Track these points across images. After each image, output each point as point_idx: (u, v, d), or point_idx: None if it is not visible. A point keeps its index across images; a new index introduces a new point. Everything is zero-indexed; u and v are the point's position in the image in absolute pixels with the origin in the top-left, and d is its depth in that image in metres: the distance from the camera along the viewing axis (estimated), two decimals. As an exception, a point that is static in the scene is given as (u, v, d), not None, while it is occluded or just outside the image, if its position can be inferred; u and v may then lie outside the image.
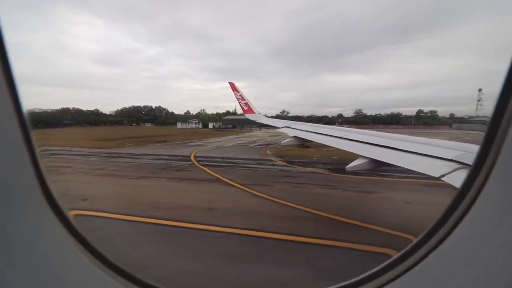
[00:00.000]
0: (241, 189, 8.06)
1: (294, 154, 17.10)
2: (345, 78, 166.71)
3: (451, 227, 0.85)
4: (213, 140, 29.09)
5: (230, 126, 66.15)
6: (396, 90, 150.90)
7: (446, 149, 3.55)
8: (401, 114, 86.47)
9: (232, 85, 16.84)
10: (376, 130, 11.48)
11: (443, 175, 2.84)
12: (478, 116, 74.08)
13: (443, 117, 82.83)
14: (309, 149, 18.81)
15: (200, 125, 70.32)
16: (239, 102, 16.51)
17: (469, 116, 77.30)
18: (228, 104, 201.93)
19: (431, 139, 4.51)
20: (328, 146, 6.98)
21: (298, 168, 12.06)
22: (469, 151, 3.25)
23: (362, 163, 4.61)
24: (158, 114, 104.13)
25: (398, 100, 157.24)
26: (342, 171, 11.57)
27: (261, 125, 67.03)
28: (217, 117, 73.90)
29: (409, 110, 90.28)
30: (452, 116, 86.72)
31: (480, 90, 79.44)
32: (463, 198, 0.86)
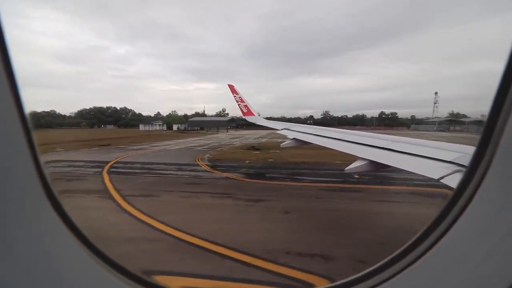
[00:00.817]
0: (116, 202, 6.99)
1: (233, 157, 16.41)
2: (318, 81, 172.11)
3: (447, 227, 0.86)
4: (165, 143, 27.61)
5: (197, 128, 64.56)
6: (365, 93, 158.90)
7: (446, 151, 3.52)
8: (365, 115, 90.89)
9: (231, 87, 16.38)
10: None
11: (442, 177, 2.79)
12: (434, 118, 79.56)
13: (403, 119, 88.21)
14: (255, 152, 18.89)
15: (165, 127, 67.57)
16: (239, 105, 16.17)
17: (427, 117, 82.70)
18: (204, 105, 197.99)
19: (430, 141, 4.41)
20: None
21: (216, 173, 11.25)
22: (468, 153, 3.24)
23: (361, 165, 4.53)
24: (123, 115, 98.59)
25: (366, 102, 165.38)
26: (260, 176, 11.02)
27: (229, 127, 67.13)
28: (184, 118, 71.75)
29: (375, 112, 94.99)
30: (413, 117, 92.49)
31: (436, 93, 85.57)
32: (458, 199, 0.86)
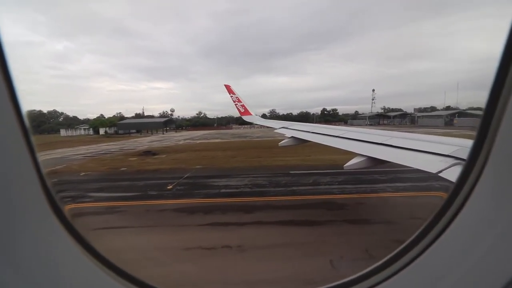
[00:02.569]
0: None
1: (78, 169, 14.00)
2: (275, 80, 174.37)
3: (448, 222, 0.86)
4: (56, 151, 24.26)
5: (130, 131, 59.02)
6: (318, 91, 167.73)
7: (443, 145, 3.50)
8: (309, 113, 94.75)
9: (228, 88, 16.08)
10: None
11: (440, 171, 2.75)
12: (370, 113, 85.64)
13: (342, 115, 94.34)
14: (135, 158, 17.77)
15: (91, 131, 60.57)
16: (236, 104, 15.87)
17: (369, 113, 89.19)
18: (159, 106, 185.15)
19: (429, 136, 4.50)
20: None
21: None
22: (466, 146, 3.25)
23: (360, 162, 4.45)
24: (52, 119, 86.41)
25: (319, 100, 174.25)
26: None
27: (168, 128, 63.21)
28: (115, 120, 65.31)
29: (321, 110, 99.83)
30: (356, 112, 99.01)
31: (373, 90, 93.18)
32: (458, 193, 0.87)
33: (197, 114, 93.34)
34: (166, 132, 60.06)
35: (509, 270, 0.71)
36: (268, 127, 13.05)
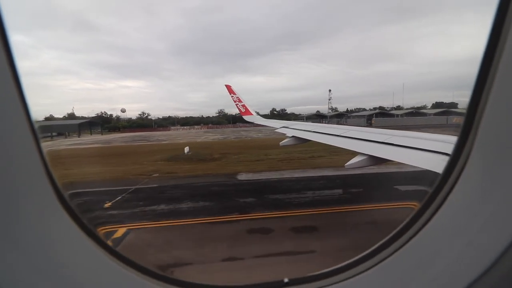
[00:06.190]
0: None
1: None
2: (250, 80, 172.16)
3: (433, 212, 0.88)
4: None
5: (55, 134, 54.46)
6: (291, 91, 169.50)
7: (444, 143, 3.50)
8: (259, 112, 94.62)
9: (228, 88, 16.15)
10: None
11: None
12: (308, 113, 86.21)
13: (290, 114, 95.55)
14: None
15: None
16: (237, 105, 15.94)
17: (307, 113, 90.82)
18: (132, 105, 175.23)
19: (430, 134, 4.39)
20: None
21: None
22: None
23: (361, 160, 4.46)
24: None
25: (292, 100, 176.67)
26: None
27: (84, 132, 58.72)
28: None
29: (301, 109, 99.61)
30: (317, 112, 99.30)
31: (330, 90, 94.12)
32: (443, 185, 0.89)
33: (139, 114, 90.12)
34: (91, 134, 56.30)
35: (490, 260, 0.73)
36: (267, 126, 13.07)
